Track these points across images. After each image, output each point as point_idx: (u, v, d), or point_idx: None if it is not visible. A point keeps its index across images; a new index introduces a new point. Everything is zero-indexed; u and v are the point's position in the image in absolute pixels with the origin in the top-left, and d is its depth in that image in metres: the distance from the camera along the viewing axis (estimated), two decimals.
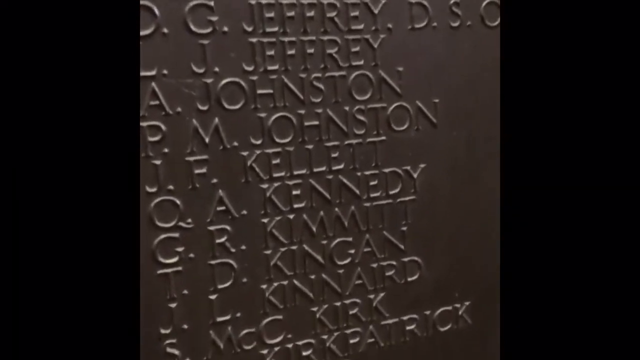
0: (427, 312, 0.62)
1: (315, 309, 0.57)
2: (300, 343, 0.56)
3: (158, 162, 0.48)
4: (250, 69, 0.50)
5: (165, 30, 0.47)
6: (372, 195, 0.57)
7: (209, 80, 0.49)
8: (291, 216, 0.54)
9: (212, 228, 0.51)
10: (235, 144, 0.51)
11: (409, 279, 0.60)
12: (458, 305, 0.64)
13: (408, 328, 0.61)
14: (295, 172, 0.54)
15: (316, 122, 0.54)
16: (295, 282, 0.55)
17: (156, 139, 0.48)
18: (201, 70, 0.49)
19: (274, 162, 0.52)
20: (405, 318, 0.61)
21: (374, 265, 0.59)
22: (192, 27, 0.48)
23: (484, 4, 0.59)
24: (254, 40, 0.50)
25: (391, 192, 0.58)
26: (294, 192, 0.54)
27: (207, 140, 0.50)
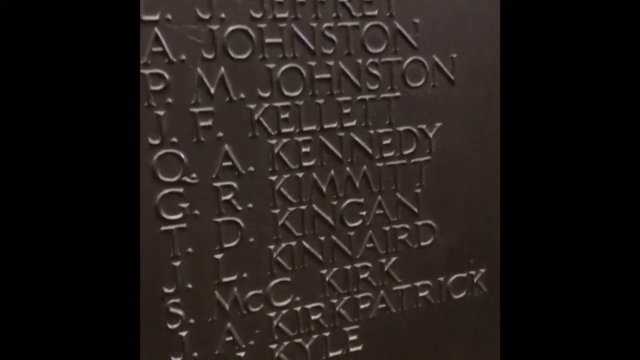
0: (441, 279, 0.60)
1: (324, 271, 0.54)
2: (309, 307, 0.54)
3: (161, 112, 0.46)
4: (258, 16, 0.48)
5: None
6: (385, 154, 0.55)
7: (215, 27, 0.46)
8: (300, 174, 0.52)
9: (217, 184, 0.49)
10: (242, 95, 0.48)
11: (423, 244, 0.58)
12: (473, 273, 0.61)
13: (421, 294, 0.59)
14: (305, 128, 0.51)
15: (327, 75, 0.51)
16: (304, 243, 0.53)
17: (159, 87, 0.46)
18: (207, 16, 0.46)
19: (282, 116, 0.50)
20: (417, 284, 0.59)
21: (386, 228, 0.56)
22: None
23: None
24: None
25: (405, 152, 0.56)
26: (304, 149, 0.51)
27: (212, 90, 0.47)
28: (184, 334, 0.50)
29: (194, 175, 0.48)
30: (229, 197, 0.49)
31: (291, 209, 0.52)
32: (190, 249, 0.49)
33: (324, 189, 0.53)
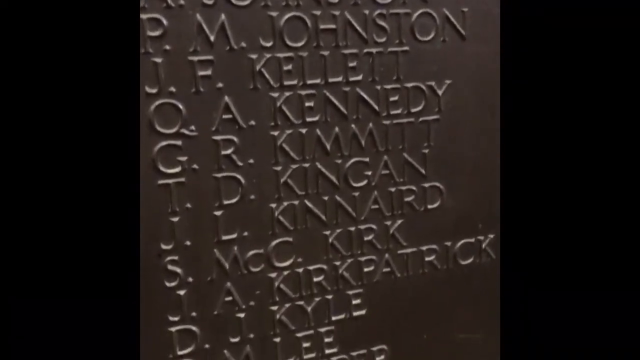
0: (448, 244, 0.58)
1: (327, 232, 0.53)
2: (311, 268, 0.53)
3: (159, 60, 0.44)
4: None
5: None
6: (392, 112, 0.53)
7: None
8: (303, 130, 0.50)
9: (217, 138, 0.47)
10: (243, 45, 0.46)
11: (429, 207, 0.56)
12: (481, 238, 0.59)
13: (427, 259, 0.57)
14: (309, 81, 0.49)
15: (332, 26, 0.49)
16: (307, 202, 0.51)
17: (157, 33, 0.44)
18: None
19: (285, 68, 0.48)
20: (424, 248, 0.57)
21: (392, 189, 0.54)
22: None
23: None
24: None
25: (413, 110, 0.53)
26: (307, 104, 0.49)
27: (212, 38, 0.45)
28: (182, 292, 0.48)
29: (192, 127, 0.46)
30: (229, 151, 0.48)
31: (294, 166, 0.50)
32: (189, 205, 0.47)
33: (328, 146, 0.51)
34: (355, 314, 0.55)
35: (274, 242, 0.51)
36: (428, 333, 0.59)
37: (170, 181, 0.46)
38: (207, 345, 0.50)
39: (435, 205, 0.56)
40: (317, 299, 0.54)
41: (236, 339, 0.51)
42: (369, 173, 0.53)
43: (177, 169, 0.46)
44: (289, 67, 0.48)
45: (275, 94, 0.48)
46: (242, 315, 0.51)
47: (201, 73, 0.45)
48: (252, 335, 0.52)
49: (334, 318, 0.55)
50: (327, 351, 0.55)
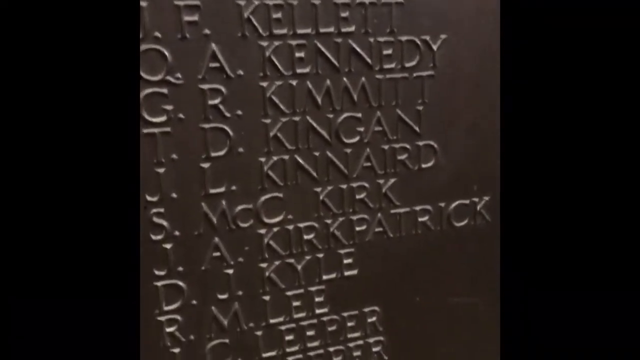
0: (442, 204, 0.57)
1: (318, 189, 0.52)
2: (301, 225, 0.52)
3: (144, 3, 0.43)
4: None
5: None
6: (385, 66, 0.51)
7: None
8: (294, 82, 0.48)
9: (204, 87, 0.46)
10: None
11: (423, 166, 0.55)
12: (476, 200, 0.58)
13: (420, 220, 0.56)
14: (299, 31, 0.48)
15: None
16: (297, 157, 0.50)
17: None
18: None
19: (274, 16, 0.46)
20: (417, 208, 0.56)
21: (385, 147, 0.53)
22: None
23: None
24: None
25: (407, 65, 0.52)
26: (297, 54, 0.48)
27: None
28: (168, 246, 0.48)
29: (178, 75, 0.45)
30: (216, 101, 0.46)
31: (283, 119, 0.49)
32: (174, 156, 0.46)
33: (319, 99, 0.50)
34: (346, 273, 0.54)
35: (263, 198, 0.50)
36: (421, 296, 0.58)
37: (155, 130, 0.45)
38: (194, 302, 0.49)
39: (429, 164, 0.55)
40: (307, 257, 0.53)
41: (224, 296, 0.50)
42: (362, 129, 0.52)
43: (163, 118, 0.45)
44: (279, 15, 0.47)
45: (264, 43, 0.47)
46: (230, 271, 0.50)
47: (187, 18, 0.44)
48: (240, 293, 0.51)
49: (324, 277, 0.54)
50: (318, 311, 0.54)
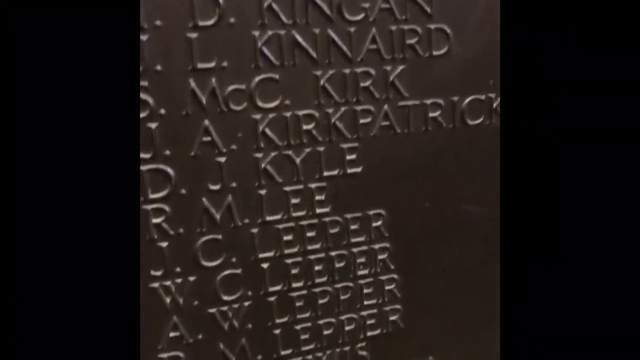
0: (455, 99, 0.52)
1: (318, 72, 0.47)
2: (300, 113, 0.47)
3: None
4: None
5: None
6: None
7: None
8: None
9: None
10: None
11: (435, 53, 0.50)
12: (492, 96, 0.53)
13: (431, 115, 0.51)
14: None
15: None
16: (295, 34, 0.45)
17: None
18: None
19: None
20: (427, 102, 0.51)
21: (393, 28, 0.48)
22: None
23: None
24: None
25: None
26: None
27: None
28: (153, 125, 0.43)
29: None
30: None
31: None
32: (158, 22, 0.42)
33: None
34: (349, 170, 0.50)
35: (257, 78, 0.45)
36: (430, 200, 0.53)
37: None
38: (183, 191, 0.45)
39: (442, 52, 0.50)
40: (307, 150, 0.48)
41: (216, 187, 0.46)
42: (367, 5, 0.47)
43: None
44: None
45: None
46: (222, 159, 0.46)
47: None
48: (234, 184, 0.47)
49: (326, 173, 0.49)
50: (319, 210, 0.50)
